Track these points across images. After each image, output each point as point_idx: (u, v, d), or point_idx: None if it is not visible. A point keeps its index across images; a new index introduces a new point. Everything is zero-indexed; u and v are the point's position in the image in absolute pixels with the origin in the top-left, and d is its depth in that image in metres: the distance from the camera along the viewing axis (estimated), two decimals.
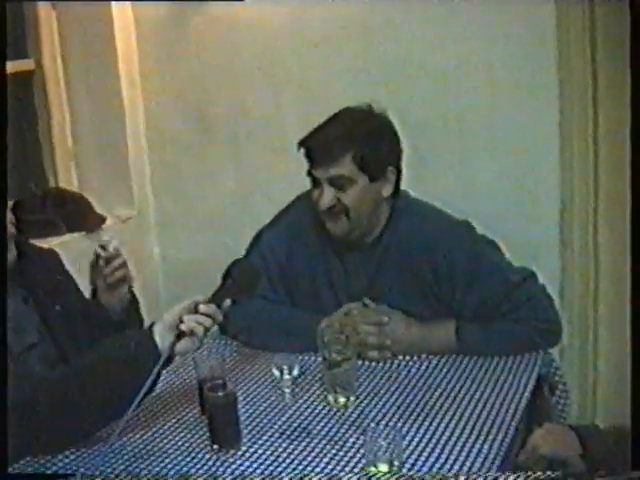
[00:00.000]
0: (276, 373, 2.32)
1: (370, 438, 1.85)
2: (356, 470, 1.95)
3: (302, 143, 2.53)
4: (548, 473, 1.79)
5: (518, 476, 1.80)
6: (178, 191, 3.70)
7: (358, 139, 2.49)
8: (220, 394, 2.08)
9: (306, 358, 2.51)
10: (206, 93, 3.54)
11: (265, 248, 2.73)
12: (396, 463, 1.85)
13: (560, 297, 3.12)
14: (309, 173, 2.54)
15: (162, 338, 2.03)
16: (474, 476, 1.84)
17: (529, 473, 1.78)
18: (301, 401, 2.33)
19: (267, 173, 3.49)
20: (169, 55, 3.54)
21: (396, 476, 1.82)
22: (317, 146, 2.51)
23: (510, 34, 3.03)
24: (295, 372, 2.32)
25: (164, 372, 2.36)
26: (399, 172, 2.59)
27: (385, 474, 1.83)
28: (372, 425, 2.02)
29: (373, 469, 1.84)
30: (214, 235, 3.60)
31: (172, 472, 2.01)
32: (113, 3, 3.52)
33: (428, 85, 3.17)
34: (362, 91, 3.12)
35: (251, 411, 2.29)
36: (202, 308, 2.07)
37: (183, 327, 2.04)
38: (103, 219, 3.53)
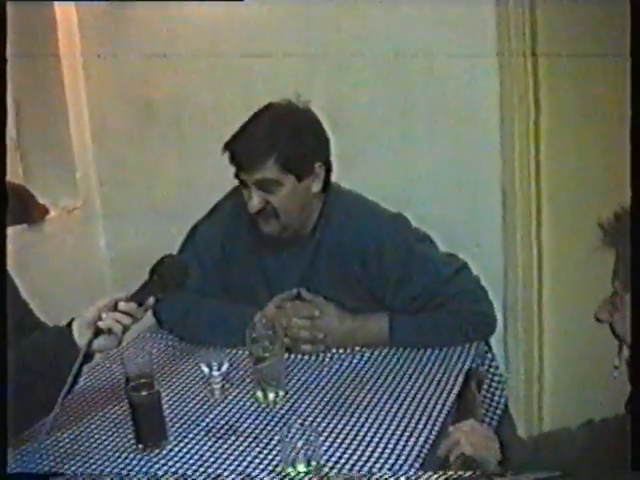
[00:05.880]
0: (205, 370, 2.31)
1: (287, 438, 1.84)
2: (276, 469, 1.93)
3: (226, 147, 2.49)
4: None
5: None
6: (123, 181, 3.66)
7: (280, 141, 2.43)
8: (144, 393, 2.05)
9: (239, 353, 2.49)
10: (148, 82, 3.49)
11: (200, 242, 2.71)
12: (313, 463, 1.83)
13: (504, 284, 3.13)
14: (236, 176, 2.50)
15: (80, 335, 2.01)
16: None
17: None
18: (230, 397, 2.31)
19: (211, 161, 3.41)
20: (111, 46, 3.49)
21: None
22: (240, 150, 2.46)
23: (449, 22, 3.00)
24: (224, 368, 2.31)
25: (90, 370, 2.36)
26: (328, 166, 2.56)
27: (301, 474, 1.82)
28: (290, 424, 2.02)
29: (291, 469, 1.83)
30: (160, 224, 3.56)
31: (97, 471, 1.99)
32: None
33: (367, 73, 3.14)
34: (301, 78, 3.12)
35: (179, 409, 2.27)
36: (121, 306, 2.05)
37: (101, 324, 2.02)
38: (46, 210, 3.50)
